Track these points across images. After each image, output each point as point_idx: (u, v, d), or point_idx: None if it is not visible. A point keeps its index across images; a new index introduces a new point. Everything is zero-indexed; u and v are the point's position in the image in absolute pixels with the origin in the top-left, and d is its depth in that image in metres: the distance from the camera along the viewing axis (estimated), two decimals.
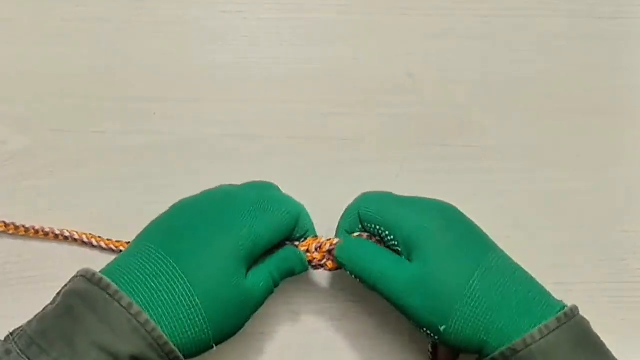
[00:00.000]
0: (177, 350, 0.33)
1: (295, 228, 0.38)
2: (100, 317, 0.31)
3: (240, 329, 0.36)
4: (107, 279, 0.32)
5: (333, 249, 0.38)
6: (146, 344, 0.32)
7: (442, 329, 0.35)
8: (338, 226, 0.40)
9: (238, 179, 0.43)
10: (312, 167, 0.44)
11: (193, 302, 0.33)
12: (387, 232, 0.37)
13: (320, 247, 0.38)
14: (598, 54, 0.47)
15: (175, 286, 0.33)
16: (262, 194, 0.38)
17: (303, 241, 0.39)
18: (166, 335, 0.32)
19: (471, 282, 0.35)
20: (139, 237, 0.37)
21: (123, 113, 0.44)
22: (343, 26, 0.47)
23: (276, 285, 0.38)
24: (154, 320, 0.32)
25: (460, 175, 0.44)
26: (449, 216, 0.38)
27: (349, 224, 0.39)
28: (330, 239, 0.38)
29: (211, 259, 0.34)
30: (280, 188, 0.42)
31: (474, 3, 0.47)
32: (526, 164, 0.45)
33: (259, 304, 0.37)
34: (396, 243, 0.37)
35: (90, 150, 0.42)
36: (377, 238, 0.38)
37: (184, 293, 0.33)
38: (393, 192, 0.43)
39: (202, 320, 0.34)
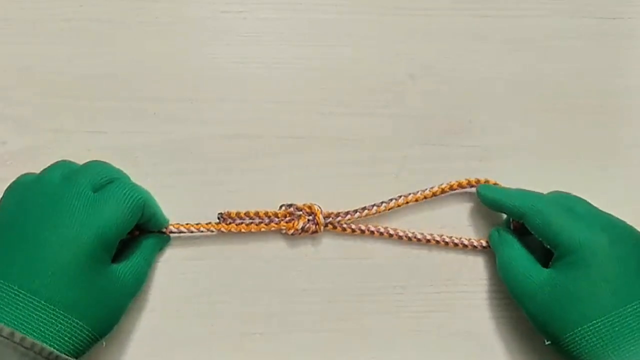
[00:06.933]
0: (69, 357, 0.33)
1: (142, 214, 0.38)
2: None
3: (120, 314, 0.37)
4: None
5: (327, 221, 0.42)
6: None
7: (566, 336, 0.36)
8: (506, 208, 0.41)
9: (238, 179, 0.44)
10: (312, 167, 0.44)
11: (58, 314, 0.34)
12: (551, 239, 0.38)
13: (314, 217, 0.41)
14: (598, 54, 0.47)
15: (34, 306, 0.33)
16: (99, 184, 0.37)
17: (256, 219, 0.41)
18: (54, 347, 0.33)
19: (625, 309, 0.35)
20: None
21: (123, 113, 0.44)
22: (343, 26, 0.47)
23: (150, 265, 0.40)
24: (33, 338, 0.32)
25: (460, 175, 0.44)
26: (619, 233, 0.38)
27: (516, 209, 0.40)
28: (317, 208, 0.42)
29: (58, 268, 0.34)
30: (281, 188, 0.41)
31: (474, 3, 0.47)
32: (526, 164, 0.45)
33: (133, 287, 0.38)
34: (553, 246, 0.38)
35: (90, 150, 0.42)
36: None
37: (45, 309, 0.33)
38: (393, 192, 0.43)
39: (75, 326, 0.34)
